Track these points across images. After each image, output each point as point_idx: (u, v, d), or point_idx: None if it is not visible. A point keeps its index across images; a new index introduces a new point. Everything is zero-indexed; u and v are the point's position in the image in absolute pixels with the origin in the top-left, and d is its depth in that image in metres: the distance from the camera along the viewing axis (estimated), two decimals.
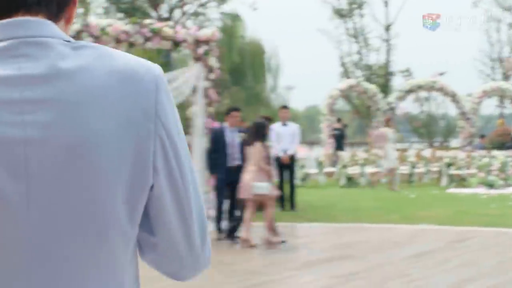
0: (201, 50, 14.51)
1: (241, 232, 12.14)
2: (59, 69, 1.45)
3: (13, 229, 1.42)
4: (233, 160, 13.07)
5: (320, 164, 25.53)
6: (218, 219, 13.02)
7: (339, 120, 30.86)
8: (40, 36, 1.49)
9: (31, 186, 1.41)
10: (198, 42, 14.50)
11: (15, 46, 1.46)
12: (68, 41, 1.53)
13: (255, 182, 11.64)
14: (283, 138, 17.27)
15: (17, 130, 1.40)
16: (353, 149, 31.77)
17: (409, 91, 32.04)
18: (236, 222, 13.01)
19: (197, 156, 14.51)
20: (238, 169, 13.07)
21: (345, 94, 34.03)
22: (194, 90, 14.63)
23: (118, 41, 13.78)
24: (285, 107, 17.62)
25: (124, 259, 1.53)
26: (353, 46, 39.87)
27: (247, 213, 11.97)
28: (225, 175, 12.97)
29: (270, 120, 14.23)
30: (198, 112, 14.60)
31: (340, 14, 38.62)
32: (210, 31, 14.85)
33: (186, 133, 15.01)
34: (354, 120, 44.53)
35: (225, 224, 13.11)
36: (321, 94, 31.69)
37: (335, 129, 29.61)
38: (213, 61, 14.64)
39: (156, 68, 1.57)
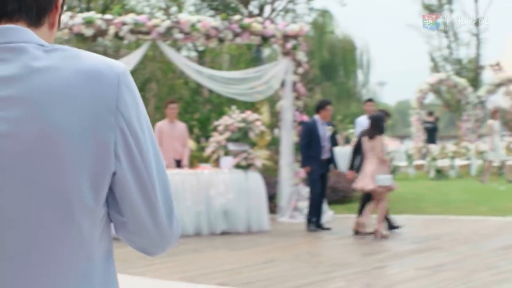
0: (289, 44, 14.32)
1: (363, 223, 11.98)
2: (30, 70, 1.57)
3: None
4: (325, 153, 12.81)
5: (409, 157, 25.02)
6: (311, 211, 12.73)
7: (431, 113, 30.16)
8: (15, 42, 1.60)
9: (2, 174, 1.54)
10: (286, 37, 14.31)
11: None
12: (42, 45, 1.62)
13: (378, 175, 11.41)
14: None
15: None
16: (442, 142, 31.03)
17: (499, 85, 31.10)
18: (320, 214, 12.80)
19: (285, 150, 14.34)
20: (328, 162, 12.84)
21: (435, 88, 33.27)
22: (283, 84, 14.46)
23: (207, 37, 13.70)
24: (370, 100, 17.19)
25: (91, 235, 1.63)
26: (443, 41, 39.04)
27: (370, 205, 11.73)
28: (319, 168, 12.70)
29: (387, 114, 13.79)
30: (287, 106, 14.41)
31: (430, 9, 37.84)
32: (298, 26, 14.64)
33: (275, 127, 14.86)
34: (444, 114, 43.56)
35: (320, 216, 12.84)
36: (412, 89, 30.98)
37: (427, 122, 28.94)
38: (301, 56, 14.43)
39: (120, 66, 1.66)
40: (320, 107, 12.94)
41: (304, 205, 13.86)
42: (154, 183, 1.67)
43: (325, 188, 13.08)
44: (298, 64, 14.45)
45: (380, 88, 61.13)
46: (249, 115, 13.20)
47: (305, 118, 14.42)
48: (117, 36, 13.20)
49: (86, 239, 1.62)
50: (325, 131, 12.91)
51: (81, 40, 13.14)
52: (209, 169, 12.60)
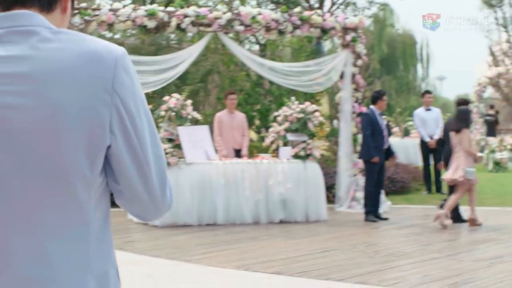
0: (349, 37, 13.97)
1: (459, 213, 11.96)
2: (37, 50, 1.68)
3: None
4: (386, 143, 12.44)
5: None
6: (368, 202, 12.36)
7: (492, 106, 29.39)
8: (24, 25, 1.71)
9: (5, 140, 1.67)
10: (346, 29, 13.96)
11: (4, 34, 1.71)
12: (50, 28, 1.73)
13: (466, 167, 11.06)
14: (427, 123, 16.46)
15: None
16: (500, 135, 30.23)
17: None
18: (378, 204, 12.46)
19: (344, 140, 14.01)
20: (387, 152, 12.47)
21: (494, 82, 32.42)
22: (342, 76, 14.13)
23: (268, 29, 13.43)
24: (428, 92, 16.73)
25: (87, 201, 1.73)
26: (503, 35, 38.00)
27: (456, 196, 11.36)
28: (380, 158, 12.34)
29: (467, 103, 13.22)
30: (346, 97, 14.08)
31: (490, 4, 36.92)
32: (358, 18, 14.27)
33: (334, 118, 14.53)
34: (503, 107, 42.53)
35: (378, 206, 12.48)
36: (471, 83, 30.24)
37: (488, 115, 28.19)
38: (360, 48, 14.07)
39: (119, 50, 1.75)
40: (376, 98, 12.55)
41: (362, 195, 13.53)
42: (148, 157, 1.77)
43: (383, 178, 12.71)
44: (358, 56, 14.10)
45: (439, 82, 60.19)
46: (308, 106, 12.90)
47: (364, 109, 14.07)
48: (179, 28, 13.02)
49: (82, 205, 1.72)
50: (382, 121, 12.56)
51: (144, 32, 12.99)
52: (268, 159, 12.35)
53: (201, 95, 19.04)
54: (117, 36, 21.02)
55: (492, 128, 27.92)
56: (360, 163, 13.86)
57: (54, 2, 1.81)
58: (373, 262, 8.68)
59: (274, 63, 14.85)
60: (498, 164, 22.58)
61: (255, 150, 14.88)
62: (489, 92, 36.75)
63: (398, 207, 14.06)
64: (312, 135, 12.76)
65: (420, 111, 16.56)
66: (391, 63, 44.25)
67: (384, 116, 12.96)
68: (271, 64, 14.29)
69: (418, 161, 24.41)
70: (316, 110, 12.88)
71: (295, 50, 20.38)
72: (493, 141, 25.12)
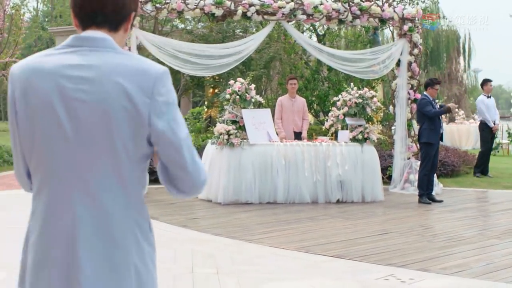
0: (406, 27, 12.85)
1: None
2: (104, 63, 2.11)
3: (65, 146, 2.10)
4: (441, 128, 11.34)
5: (510, 135, 23.09)
6: (424, 184, 11.27)
7: None
8: (100, 47, 2.14)
9: (76, 123, 2.09)
10: (403, 20, 12.84)
11: (83, 51, 2.14)
12: (115, 49, 2.16)
13: None
14: (490, 109, 15.32)
15: (73, 92, 2.09)
16: None
17: None
18: (432, 187, 11.38)
19: (399, 125, 12.96)
20: (440, 138, 11.38)
21: None
22: (398, 64, 13.04)
23: (328, 19, 12.39)
24: (489, 80, 15.48)
25: (130, 172, 2.14)
26: None
27: None
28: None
29: None
30: (401, 84, 13.00)
31: None
32: (415, 9, 13.11)
33: (389, 104, 13.44)
34: None
35: (432, 189, 11.40)
36: (508, 74, 28.75)
37: None
38: (417, 37, 12.94)
39: (160, 68, 2.16)
40: (429, 85, 11.45)
41: (415, 178, 12.49)
42: (178, 140, 2.13)
43: (437, 161, 11.61)
44: (414, 45, 12.98)
45: (476, 74, 58.38)
46: (366, 91, 11.87)
47: (418, 96, 13.02)
48: (244, 16, 12.10)
49: (126, 175, 2.13)
50: (437, 106, 11.48)
51: (212, 19, 12.08)
52: (327, 142, 11.38)
53: (263, 80, 18.08)
54: (188, 27, 20.18)
55: None
56: (414, 147, 12.83)
57: (120, 25, 2.21)
58: (432, 247, 7.65)
59: (334, 50, 13.78)
60: None
61: (313, 133, 13.89)
62: None
63: (449, 190, 12.94)
64: (369, 120, 11.75)
65: (483, 98, 15.42)
66: (435, 56, 43.09)
67: (437, 100, 11.82)
68: (330, 51, 13.23)
69: (463, 146, 23.23)
70: (373, 96, 11.85)
71: (351, 41, 19.32)
72: None
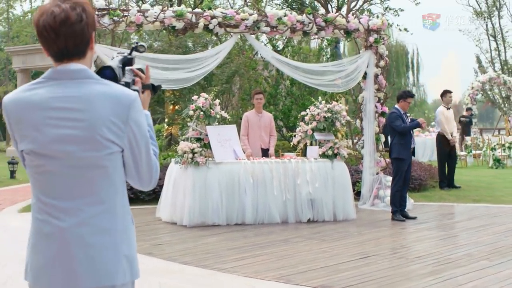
0: (372, 38, 12.08)
1: None
2: (82, 93, 2.37)
3: (59, 163, 2.39)
4: (412, 142, 10.58)
5: (467, 147, 22.60)
6: (396, 201, 10.45)
7: (468, 109, 27.08)
8: (78, 78, 2.39)
9: (66, 141, 2.37)
10: (369, 31, 12.07)
11: (65, 83, 2.39)
12: (93, 78, 2.41)
13: None
14: (449, 121, 14.62)
15: (58, 121, 2.36)
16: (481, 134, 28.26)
17: None
18: (405, 203, 10.58)
19: (367, 139, 12.16)
20: (412, 152, 10.62)
21: (484, 86, 30.49)
22: (365, 77, 12.25)
23: (293, 31, 11.53)
24: (449, 91, 14.75)
25: (115, 176, 2.46)
26: (492, 44, 35.86)
27: None
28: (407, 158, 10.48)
29: None
30: (369, 97, 12.21)
31: (482, 15, 34.82)
32: (380, 20, 12.33)
33: (358, 117, 12.63)
34: (487, 109, 40.60)
35: (404, 205, 10.59)
36: (457, 87, 28.48)
37: (463, 116, 25.82)
38: (383, 49, 12.17)
39: (132, 94, 2.44)
40: (402, 97, 10.70)
41: (385, 193, 11.69)
42: (142, 158, 2.48)
43: (409, 176, 10.83)
44: (380, 57, 12.21)
45: (424, 88, 58.71)
46: (335, 105, 11.02)
47: (386, 109, 12.25)
48: (206, 29, 11.14)
49: (112, 180, 2.45)
50: (408, 120, 10.72)
51: (172, 32, 11.10)
52: (296, 159, 10.47)
53: (225, 96, 17.11)
54: (145, 42, 19.11)
55: (467, 128, 25.58)
56: (382, 162, 12.04)
57: (86, 51, 2.45)
58: (421, 273, 6.76)
59: (298, 63, 12.90)
60: (498, 161, 20.60)
61: (279, 149, 12.98)
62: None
63: (420, 205, 12.17)
64: (335, 134, 10.89)
65: (442, 109, 14.68)
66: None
67: (409, 114, 11.04)
68: (294, 64, 12.34)
69: (419, 158, 22.57)
70: (342, 110, 11.01)
71: (314, 55, 18.56)
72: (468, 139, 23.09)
